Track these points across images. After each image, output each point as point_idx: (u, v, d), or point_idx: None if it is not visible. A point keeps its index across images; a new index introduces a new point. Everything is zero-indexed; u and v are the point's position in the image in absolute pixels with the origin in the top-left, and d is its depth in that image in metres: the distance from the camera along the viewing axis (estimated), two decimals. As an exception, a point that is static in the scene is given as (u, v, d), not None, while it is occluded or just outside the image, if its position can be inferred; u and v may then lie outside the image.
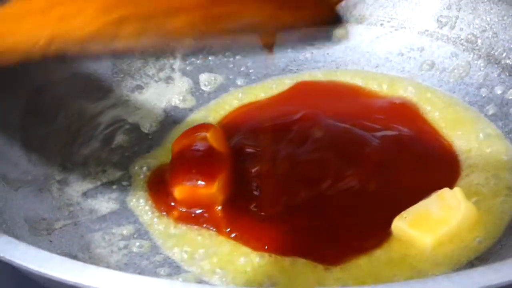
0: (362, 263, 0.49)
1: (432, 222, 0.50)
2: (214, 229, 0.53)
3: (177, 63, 0.69)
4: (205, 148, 0.55)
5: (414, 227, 0.49)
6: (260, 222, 0.52)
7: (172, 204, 0.54)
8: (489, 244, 0.49)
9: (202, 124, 0.60)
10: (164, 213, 0.55)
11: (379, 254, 0.50)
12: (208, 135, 0.56)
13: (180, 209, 0.54)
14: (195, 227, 0.53)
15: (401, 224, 0.50)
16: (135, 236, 0.53)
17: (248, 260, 0.50)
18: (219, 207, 0.54)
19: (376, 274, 0.48)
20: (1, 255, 0.36)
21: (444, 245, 0.49)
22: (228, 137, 0.59)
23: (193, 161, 0.55)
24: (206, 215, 0.54)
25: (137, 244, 0.52)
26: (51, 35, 0.40)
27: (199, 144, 0.55)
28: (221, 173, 0.54)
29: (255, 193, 0.55)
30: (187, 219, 0.54)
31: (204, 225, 0.53)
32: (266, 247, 0.51)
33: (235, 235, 0.52)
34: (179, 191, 0.54)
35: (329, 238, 0.51)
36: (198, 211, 0.54)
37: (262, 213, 0.53)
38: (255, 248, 0.51)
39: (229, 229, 0.52)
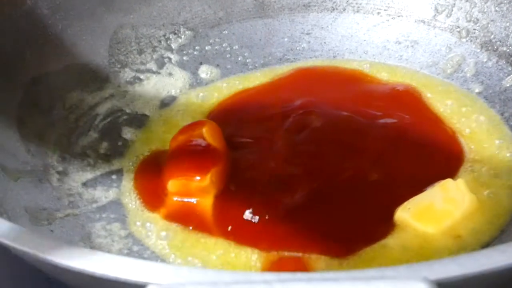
0: (369, 254, 0.48)
1: (436, 214, 0.49)
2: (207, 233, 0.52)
3: (175, 54, 0.69)
4: (199, 143, 0.55)
5: (418, 219, 0.49)
6: (262, 224, 0.51)
7: (165, 195, 0.54)
8: (491, 232, 0.49)
9: (198, 121, 0.60)
10: (151, 212, 0.54)
11: (385, 245, 0.49)
12: (203, 130, 0.56)
13: (175, 199, 0.54)
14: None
15: (404, 215, 0.50)
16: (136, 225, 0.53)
17: (252, 258, 0.49)
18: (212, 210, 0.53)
19: (383, 264, 0.47)
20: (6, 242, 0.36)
21: (447, 236, 0.49)
22: (224, 126, 0.59)
23: (187, 155, 0.55)
24: (197, 214, 0.53)
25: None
26: None
27: (194, 139, 0.56)
28: (214, 166, 0.53)
29: (252, 190, 0.53)
30: (176, 217, 0.53)
31: (192, 227, 0.52)
32: (271, 247, 0.49)
33: (235, 237, 0.51)
34: (173, 184, 0.54)
35: (335, 231, 0.50)
36: (189, 206, 0.53)
37: (261, 218, 0.51)
38: (260, 248, 0.49)
39: (228, 229, 0.51)
